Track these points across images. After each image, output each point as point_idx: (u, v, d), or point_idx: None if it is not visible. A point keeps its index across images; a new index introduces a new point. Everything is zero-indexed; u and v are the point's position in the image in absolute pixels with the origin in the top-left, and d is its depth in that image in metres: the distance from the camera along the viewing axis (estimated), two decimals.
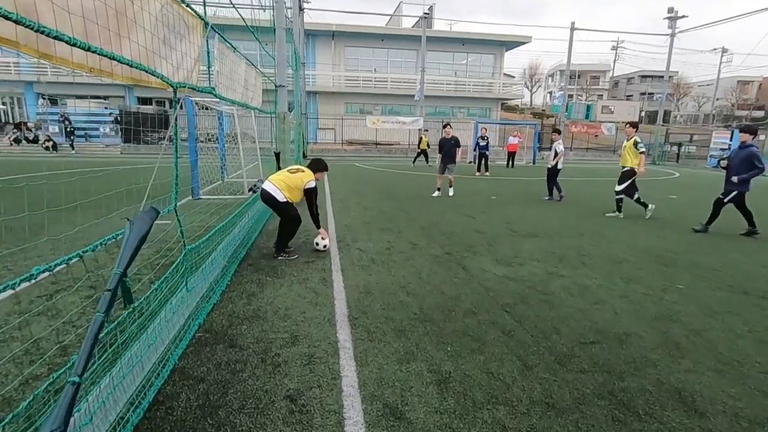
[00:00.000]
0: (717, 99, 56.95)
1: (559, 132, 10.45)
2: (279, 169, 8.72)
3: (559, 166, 9.78)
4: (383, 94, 30.50)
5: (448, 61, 32.30)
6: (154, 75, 2.44)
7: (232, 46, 4.71)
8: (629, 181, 7.97)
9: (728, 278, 4.70)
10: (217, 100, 5.98)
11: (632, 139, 8.06)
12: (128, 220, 1.87)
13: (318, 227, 5.23)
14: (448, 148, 9.68)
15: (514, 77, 43.76)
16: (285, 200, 4.88)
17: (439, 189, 9.92)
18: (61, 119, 21.91)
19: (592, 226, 7.17)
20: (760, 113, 57.83)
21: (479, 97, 31.90)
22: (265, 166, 10.92)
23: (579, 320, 3.53)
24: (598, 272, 4.77)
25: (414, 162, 19.46)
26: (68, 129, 21.70)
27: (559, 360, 2.90)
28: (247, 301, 3.73)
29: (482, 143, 16.14)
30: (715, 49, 51.98)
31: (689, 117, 61.29)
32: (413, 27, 33.38)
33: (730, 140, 23.17)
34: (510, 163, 18.89)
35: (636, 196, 8.03)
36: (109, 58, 1.91)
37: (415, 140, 25.32)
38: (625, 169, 8.04)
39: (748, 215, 6.89)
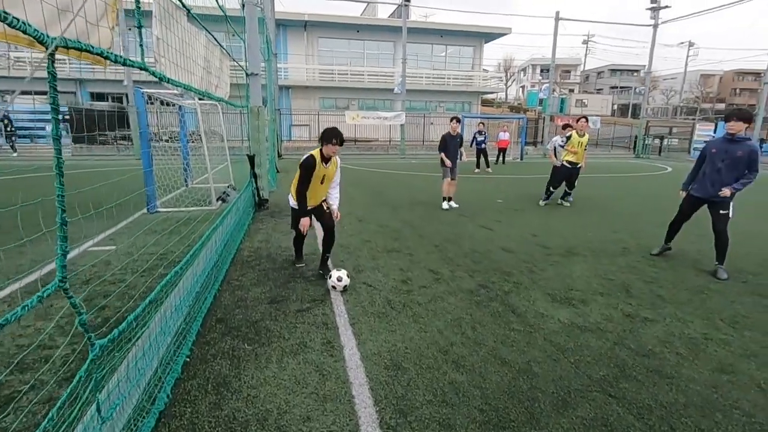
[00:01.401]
0: (681, 92, 58.40)
1: (570, 126, 9.35)
2: (254, 175, 7.28)
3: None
4: (360, 88, 29.00)
5: (426, 54, 31.09)
6: None
7: (185, 6, 3.28)
8: None
9: None
10: (175, 89, 4.53)
11: (586, 136, 8.33)
12: None
13: (307, 215, 4.10)
14: (454, 147, 7.94)
15: (488, 71, 43.05)
16: (292, 203, 4.15)
17: (450, 199, 8.11)
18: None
19: (629, 237, 6.10)
20: (721, 106, 59.84)
21: (459, 91, 30.86)
22: (235, 169, 9.41)
23: (725, 411, 2.35)
24: (687, 311, 3.64)
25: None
26: (9, 130, 19.22)
27: None
28: (215, 399, 2.37)
29: (480, 138, 15.11)
30: (682, 43, 53.15)
31: (659, 110, 62.56)
32: (389, 17, 32.01)
33: (714, 132, 23.01)
34: (500, 159, 17.90)
35: (551, 187, 8.61)
36: None
37: (397, 136, 24.10)
38: (579, 165, 8.41)
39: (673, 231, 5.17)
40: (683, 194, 4.97)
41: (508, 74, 61.19)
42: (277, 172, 12.16)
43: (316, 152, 3.93)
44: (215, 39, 4.66)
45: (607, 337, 3.15)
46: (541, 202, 8.71)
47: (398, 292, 3.92)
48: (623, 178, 14.34)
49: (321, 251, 4.38)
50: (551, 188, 8.67)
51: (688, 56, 53.82)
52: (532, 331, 3.22)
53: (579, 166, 8.45)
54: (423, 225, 6.62)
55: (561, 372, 2.70)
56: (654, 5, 23.07)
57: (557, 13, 22.27)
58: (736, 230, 4.58)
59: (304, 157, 3.91)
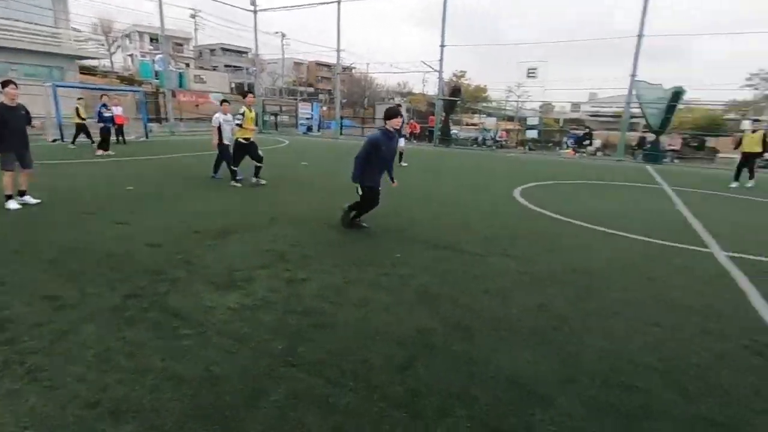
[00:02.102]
0: (283, 76, 68.88)
1: (227, 102, 8.74)
2: None
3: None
4: None
5: None
6: None
7: None
8: None
9: (422, 236, 5.36)
10: None
11: (254, 111, 8.38)
12: None
13: None
14: (18, 123, 5.93)
15: (82, 31, 35.23)
16: None
17: (24, 193, 6.09)
18: None
19: (270, 207, 6.61)
20: (311, 89, 75.16)
21: (41, 52, 23.70)
22: None
23: (374, 336, 2.91)
24: (328, 263, 4.27)
25: (74, 142, 14.36)
26: None
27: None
28: None
29: (107, 114, 12.95)
30: (277, 32, 61.65)
31: (269, 90, 70.98)
32: None
33: (312, 111, 28.45)
34: (119, 138, 15.26)
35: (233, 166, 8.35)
36: None
37: None
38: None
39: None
40: (359, 185, 5.30)
41: (110, 39, 52.30)
42: None
43: None
44: None
45: (277, 308, 3.25)
46: (236, 184, 8.24)
47: (23, 353, 2.58)
48: None
49: None
50: (233, 167, 8.26)
51: (283, 45, 63.22)
52: (203, 330, 2.89)
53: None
54: (20, 236, 4.72)
55: (243, 362, 2.55)
56: None
57: None
58: (340, 185, 5.78)
59: None
